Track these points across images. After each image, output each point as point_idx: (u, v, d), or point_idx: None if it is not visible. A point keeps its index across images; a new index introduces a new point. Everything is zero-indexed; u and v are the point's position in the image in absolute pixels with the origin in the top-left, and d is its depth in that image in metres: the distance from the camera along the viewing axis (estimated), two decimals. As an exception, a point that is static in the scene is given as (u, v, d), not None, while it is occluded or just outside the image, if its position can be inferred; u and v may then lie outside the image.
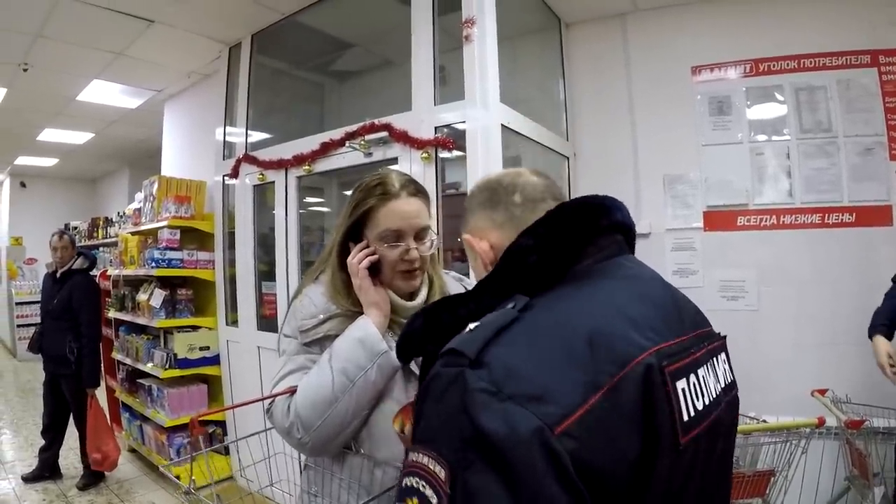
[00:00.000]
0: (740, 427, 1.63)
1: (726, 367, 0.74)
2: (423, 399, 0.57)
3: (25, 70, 3.77)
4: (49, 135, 5.72)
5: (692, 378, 0.62)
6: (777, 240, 2.60)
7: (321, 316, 1.10)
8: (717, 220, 2.73)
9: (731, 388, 0.73)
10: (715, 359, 0.70)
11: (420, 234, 1.10)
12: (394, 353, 1.00)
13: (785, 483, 1.91)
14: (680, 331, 0.66)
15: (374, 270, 1.10)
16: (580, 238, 0.69)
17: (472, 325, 0.59)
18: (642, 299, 0.66)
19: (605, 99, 3.00)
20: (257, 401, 1.13)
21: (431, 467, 0.50)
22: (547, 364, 0.53)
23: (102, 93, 4.40)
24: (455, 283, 1.27)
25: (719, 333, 0.76)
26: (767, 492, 1.92)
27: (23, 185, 8.42)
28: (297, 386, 1.05)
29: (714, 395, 0.66)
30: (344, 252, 1.12)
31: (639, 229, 0.93)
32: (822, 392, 2.13)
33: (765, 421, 1.95)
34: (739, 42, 2.72)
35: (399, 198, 1.08)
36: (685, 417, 0.58)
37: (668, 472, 0.56)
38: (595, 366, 0.53)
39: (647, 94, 2.90)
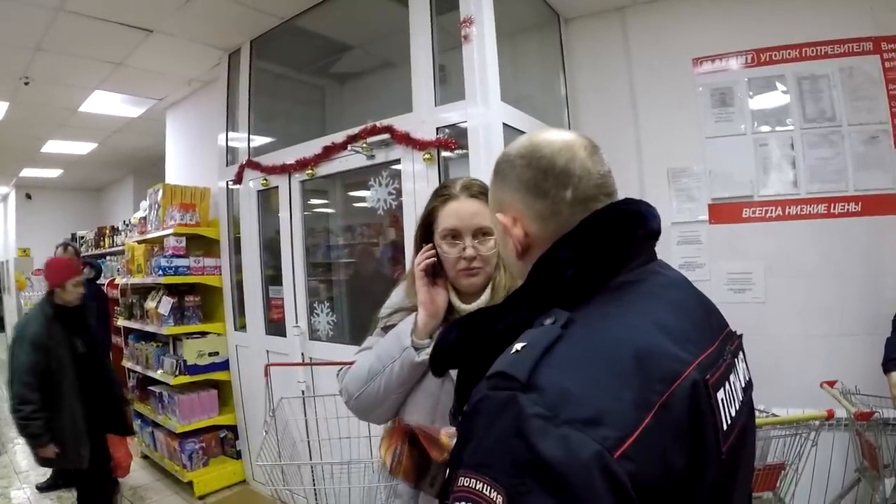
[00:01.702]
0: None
1: (744, 366, 0.74)
2: (470, 422, 0.56)
3: (27, 83, 3.79)
4: (53, 146, 5.73)
5: (727, 386, 0.63)
6: (783, 231, 2.58)
7: (394, 307, 1.25)
8: (723, 212, 2.71)
9: (749, 387, 0.73)
10: (736, 360, 0.70)
11: (479, 234, 1.14)
12: (414, 350, 1.11)
13: (796, 476, 1.90)
14: (710, 337, 0.67)
15: (439, 271, 1.17)
16: (618, 251, 0.67)
17: (518, 346, 0.57)
18: (677, 308, 0.66)
19: (606, 94, 2.99)
20: (333, 364, 1.51)
21: (487, 493, 0.49)
22: (599, 385, 0.53)
23: (104, 103, 4.41)
24: None
25: (736, 332, 0.76)
26: (778, 485, 1.92)
27: (28, 196, 8.45)
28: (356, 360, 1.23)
29: (741, 399, 0.67)
30: (418, 252, 1.22)
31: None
32: (832, 384, 2.12)
33: (774, 414, 1.94)
34: (740, 32, 2.69)
35: (458, 199, 1.16)
36: (724, 427, 0.59)
37: (714, 479, 0.57)
38: (644, 384, 0.53)
39: (649, 88, 2.88)
